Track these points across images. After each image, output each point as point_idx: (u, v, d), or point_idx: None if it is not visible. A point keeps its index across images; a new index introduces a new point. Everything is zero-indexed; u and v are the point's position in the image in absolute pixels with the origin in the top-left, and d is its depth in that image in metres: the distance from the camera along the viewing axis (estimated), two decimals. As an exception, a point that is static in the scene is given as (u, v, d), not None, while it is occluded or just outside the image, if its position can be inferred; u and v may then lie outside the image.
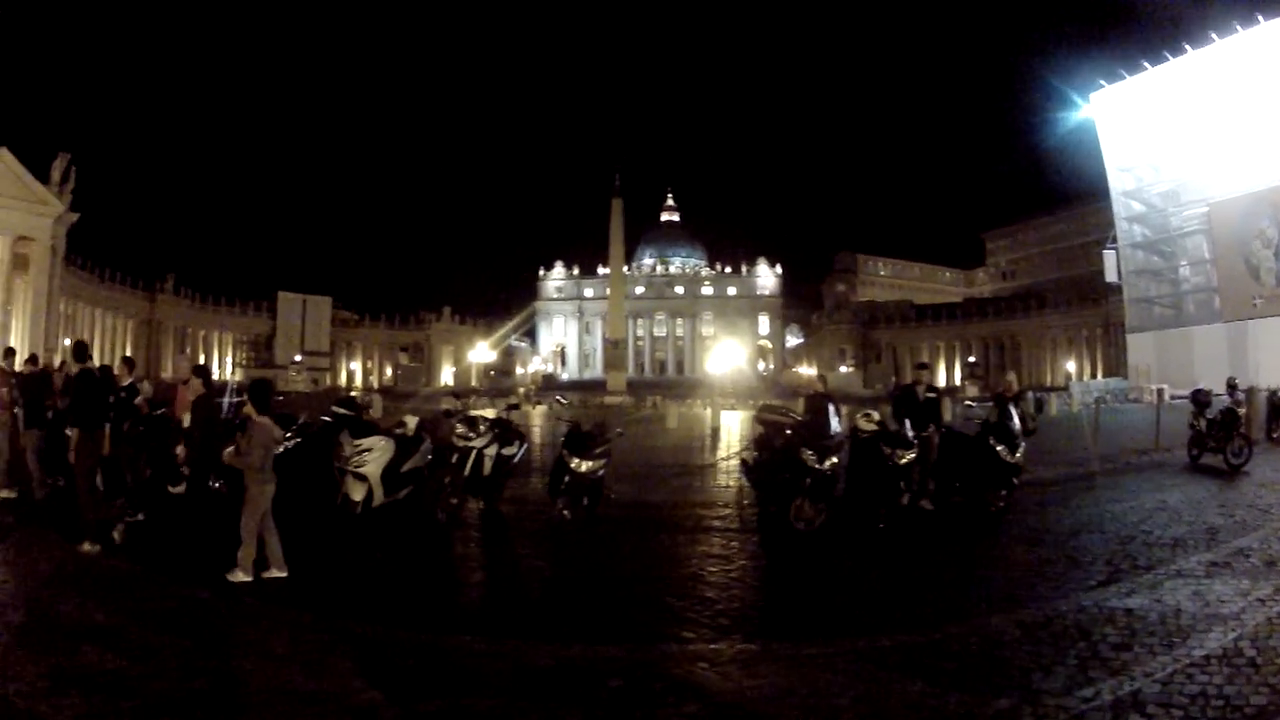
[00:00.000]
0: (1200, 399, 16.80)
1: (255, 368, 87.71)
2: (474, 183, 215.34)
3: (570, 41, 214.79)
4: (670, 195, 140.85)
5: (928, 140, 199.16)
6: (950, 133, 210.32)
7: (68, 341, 67.44)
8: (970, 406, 12.25)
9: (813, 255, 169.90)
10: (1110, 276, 57.98)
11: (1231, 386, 17.05)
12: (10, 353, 12.78)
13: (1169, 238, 54.38)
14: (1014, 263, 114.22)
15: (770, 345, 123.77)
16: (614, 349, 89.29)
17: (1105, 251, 57.63)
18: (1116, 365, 66.50)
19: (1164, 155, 52.98)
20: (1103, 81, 54.65)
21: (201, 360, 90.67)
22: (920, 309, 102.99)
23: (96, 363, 10.74)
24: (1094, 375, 73.59)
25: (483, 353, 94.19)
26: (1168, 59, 50.61)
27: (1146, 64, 51.57)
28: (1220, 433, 15.90)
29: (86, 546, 8.61)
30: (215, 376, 78.10)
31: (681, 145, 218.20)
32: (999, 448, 10.85)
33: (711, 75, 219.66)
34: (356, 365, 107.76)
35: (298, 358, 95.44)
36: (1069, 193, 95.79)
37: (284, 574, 7.77)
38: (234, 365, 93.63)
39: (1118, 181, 55.57)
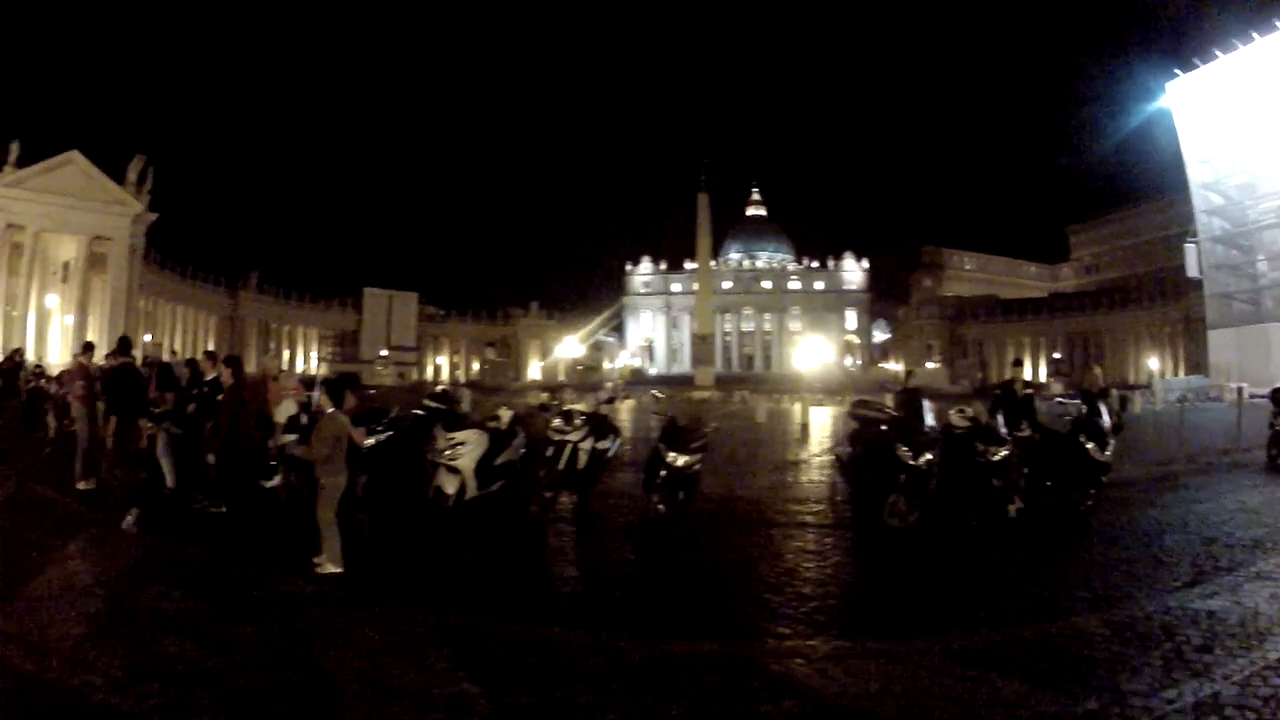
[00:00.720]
0: (1279, 398, 16.34)
1: (340, 362, 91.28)
2: (562, 178, 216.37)
3: (658, 35, 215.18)
4: (756, 190, 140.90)
5: (1011, 133, 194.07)
6: (1032, 125, 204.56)
7: (148, 338, 71.13)
8: (1061, 403, 11.72)
9: (898, 249, 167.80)
10: (1191, 271, 56.67)
11: None
12: (89, 347, 13.42)
13: (1247, 231, 52.97)
14: (1097, 257, 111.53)
15: (857, 340, 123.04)
16: (702, 343, 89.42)
17: (1186, 245, 56.37)
18: (1197, 362, 64.83)
19: (1239, 146, 51.59)
20: (1178, 71, 53.42)
21: (286, 355, 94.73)
22: (1006, 304, 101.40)
23: (182, 356, 11.66)
24: (1176, 373, 71.69)
25: (571, 347, 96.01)
26: (1236, 47, 49.34)
27: (1218, 52, 50.30)
28: None
29: (128, 520, 8.97)
30: (300, 370, 79.34)
31: (767, 140, 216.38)
32: (1089, 445, 10.63)
33: (797, 70, 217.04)
34: (444, 360, 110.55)
35: (384, 352, 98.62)
36: (1150, 185, 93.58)
37: (339, 570, 7.54)
38: (319, 360, 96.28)
39: (1196, 173, 54.32)
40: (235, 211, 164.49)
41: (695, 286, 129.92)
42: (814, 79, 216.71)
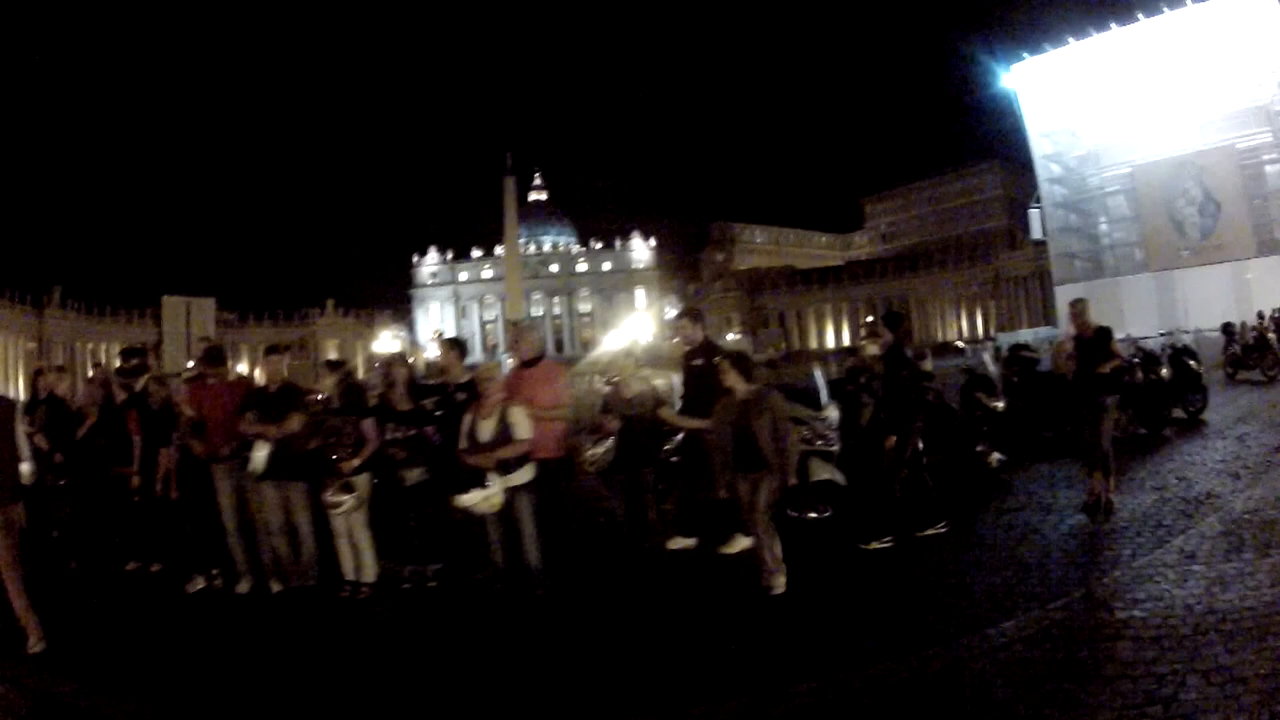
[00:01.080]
0: (1229, 330, 23.02)
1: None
2: (342, 172, 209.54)
3: (428, 22, 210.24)
4: (538, 175, 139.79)
5: (797, 105, 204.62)
6: (821, 97, 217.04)
7: None
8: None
9: (686, 227, 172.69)
10: (1035, 234, 62.75)
11: (1261, 316, 23.80)
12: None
13: (1088, 197, 58.72)
14: (893, 225, 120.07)
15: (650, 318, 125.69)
16: (514, 328, 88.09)
17: (1030, 211, 62.45)
18: (1009, 319, 71.25)
19: (1082, 123, 57.10)
20: (1025, 54, 58.29)
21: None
22: (805, 273, 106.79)
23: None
24: (987, 329, 78.34)
25: (386, 343, 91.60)
26: (1091, 34, 54.39)
27: (1070, 39, 55.25)
28: (1255, 354, 21.09)
29: None
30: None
31: (546, 123, 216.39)
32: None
33: (573, 45, 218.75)
34: (243, 367, 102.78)
35: (190, 364, 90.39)
36: (953, 156, 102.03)
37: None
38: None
39: (1039, 146, 59.68)
40: (27, 217, 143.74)
41: (483, 274, 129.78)
42: (592, 51, 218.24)
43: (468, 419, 7.39)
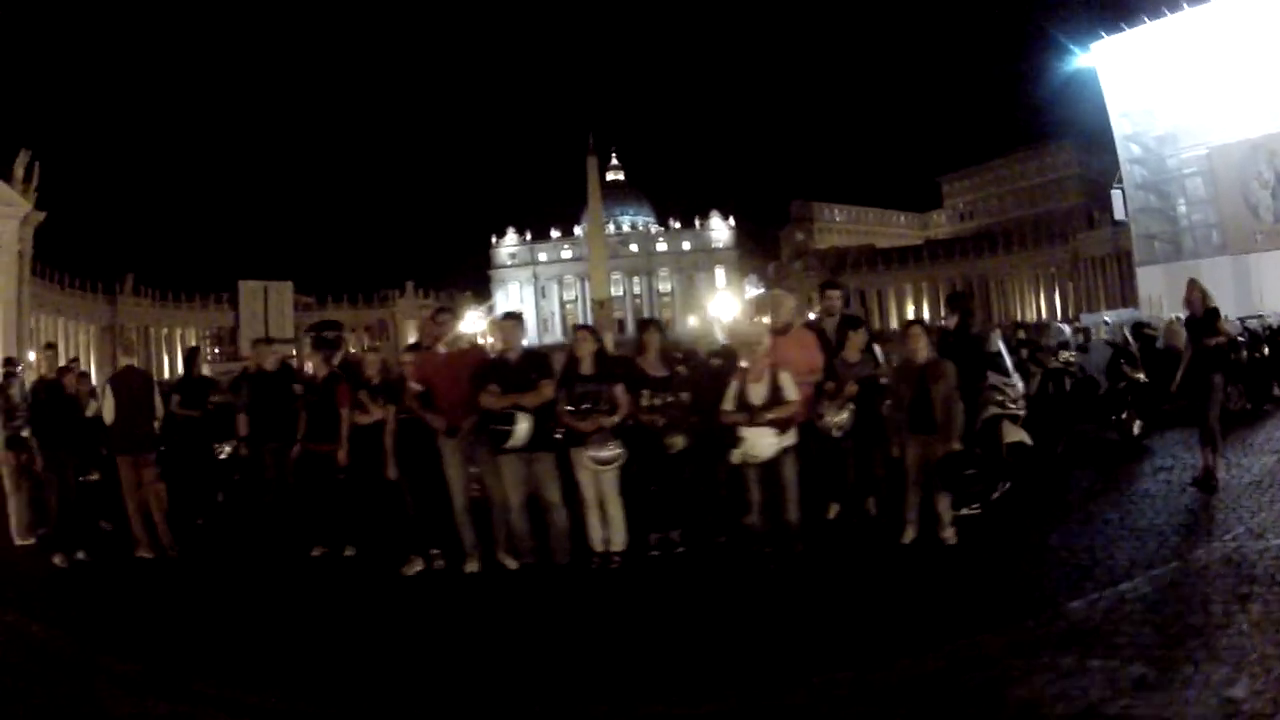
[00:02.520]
0: None
1: (221, 362, 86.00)
2: (419, 154, 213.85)
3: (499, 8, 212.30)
4: (615, 155, 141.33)
5: (875, 83, 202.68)
6: (898, 75, 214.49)
7: (31, 356, 65.19)
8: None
9: (766, 206, 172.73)
10: (1119, 215, 62.41)
11: None
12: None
13: (1167, 179, 58.40)
14: (971, 204, 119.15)
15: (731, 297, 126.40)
16: (600, 309, 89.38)
17: (1113, 191, 62.03)
18: (1088, 300, 71.00)
19: (1160, 102, 56.68)
20: (1103, 33, 58.00)
21: (166, 362, 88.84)
22: (885, 253, 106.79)
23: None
24: (1065, 311, 78.00)
25: (473, 323, 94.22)
26: (1165, 14, 54.08)
27: (1146, 18, 54.91)
28: None
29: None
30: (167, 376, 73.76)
31: (623, 102, 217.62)
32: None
33: (651, 24, 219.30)
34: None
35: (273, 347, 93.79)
36: (1026, 135, 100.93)
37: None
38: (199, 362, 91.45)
39: (1119, 126, 59.26)
40: (102, 208, 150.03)
41: (562, 254, 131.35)
42: (669, 30, 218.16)
43: (734, 384, 7.70)
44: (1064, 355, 12.63)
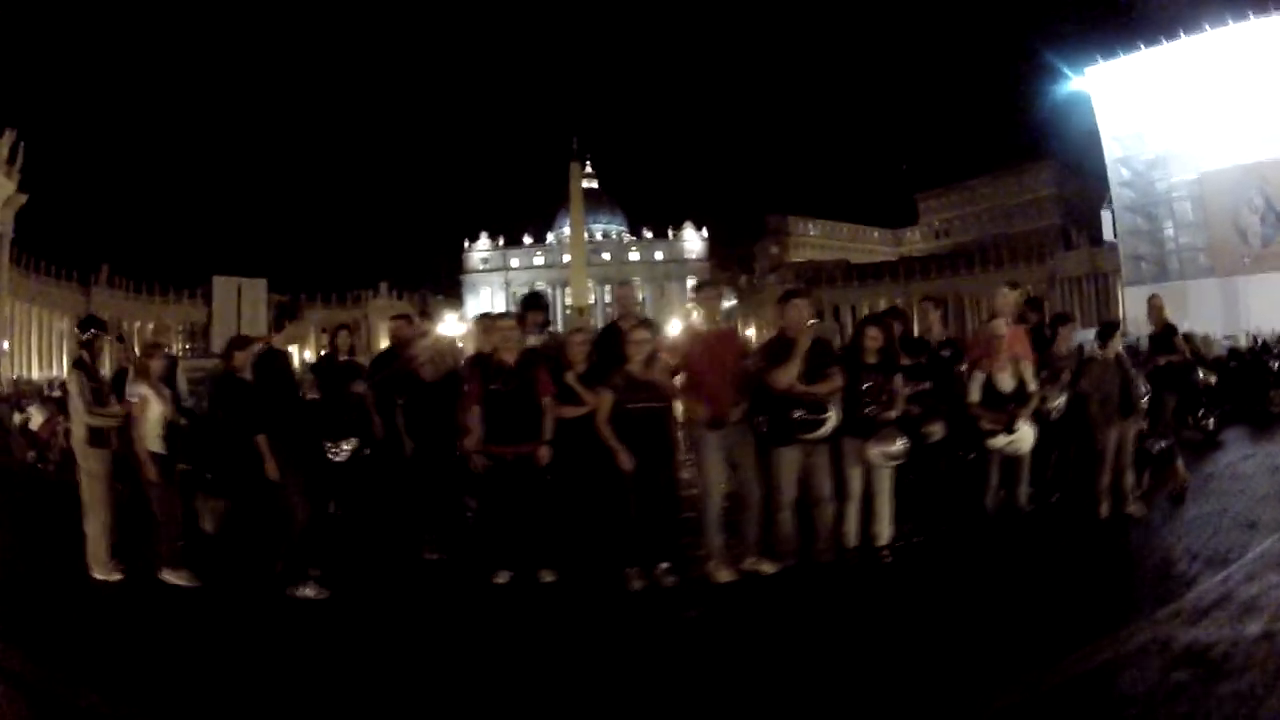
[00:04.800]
0: None
1: (194, 358, 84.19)
2: (393, 155, 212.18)
3: (483, 8, 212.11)
4: (588, 162, 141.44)
5: (853, 98, 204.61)
6: (877, 92, 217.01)
7: (5, 345, 63.56)
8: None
9: (740, 218, 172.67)
10: (1108, 235, 64.12)
11: None
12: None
13: (1155, 202, 60.18)
14: (947, 222, 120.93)
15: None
16: (579, 316, 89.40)
17: (1103, 212, 63.95)
18: (1100, 315, 72.67)
19: (1151, 128, 58.42)
20: (1099, 57, 59.61)
21: (139, 355, 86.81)
22: (860, 268, 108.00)
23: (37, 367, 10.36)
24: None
25: (452, 325, 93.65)
26: (1161, 42, 55.76)
27: (1142, 45, 56.55)
28: None
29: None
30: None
31: (598, 109, 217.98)
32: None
33: (627, 34, 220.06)
34: (293, 349, 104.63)
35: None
36: (1005, 155, 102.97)
37: None
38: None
39: (1110, 150, 60.87)
40: (78, 195, 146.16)
41: (535, 261, 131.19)
42: (644, 44, 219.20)
43: (979, 374, 8.07)
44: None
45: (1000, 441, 7.96)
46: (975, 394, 8.07)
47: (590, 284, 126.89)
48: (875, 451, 7.36)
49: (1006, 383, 8.06)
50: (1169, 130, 56.82)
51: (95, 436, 8.04)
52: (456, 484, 8.18)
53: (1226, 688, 4.60)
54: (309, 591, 7.09)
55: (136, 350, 9.78)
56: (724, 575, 7.18)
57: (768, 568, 7.30)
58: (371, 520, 8.35)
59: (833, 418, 7.28)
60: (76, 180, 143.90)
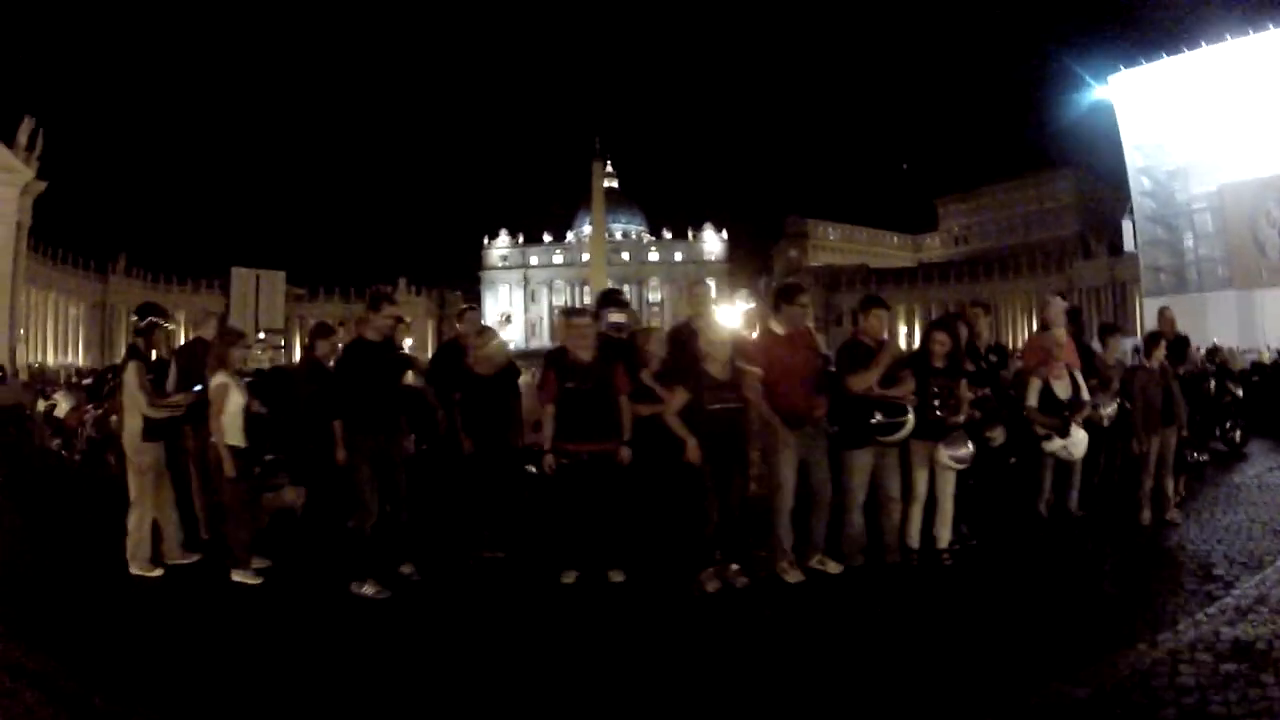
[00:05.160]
0: None
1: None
2: (414, 151, 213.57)
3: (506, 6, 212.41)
4: (609, 161, 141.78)
5: (876, 102, 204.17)
6: (900, 97, 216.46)
7: (21, 333, 63.62)
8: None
9: (759, 220, 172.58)
10: (1129, 245, 63.82)
11: None
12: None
13: (1176, 213, 59.92)
14: (966, 228, 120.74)
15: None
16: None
17: (1124, 222, 63.78)
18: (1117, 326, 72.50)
19: (1172, 138, 58.15)
20: (1121, 66, 59.40)
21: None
22: (879, 273, 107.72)
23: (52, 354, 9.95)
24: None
25: (473, 322, 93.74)
26: (1184, 51, 55.54)
27: (1164, 54, 56.36)
28: None
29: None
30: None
31: (619, 109, 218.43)
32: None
33: (650, 35, 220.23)
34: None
35: (261, 335, 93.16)
36: (1026, 162, 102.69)
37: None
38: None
39: (1132, 159, 60.60)
40: (98, 183, 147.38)
41: (554, 259, 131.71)
42: (668, 40, 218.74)
43: (1036, 381, 8.45)
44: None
45: (1055, 445, 8.28)
46: (1033, 399, 8.43)
47: (610, 283, 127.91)
48: (945, 455, 7.59)
49: (1063, 390, 8.45)
50: (1190, 141, 56.53)
51: (151, 429, 7.83)
52: (515, 481, 8.22)
53: (1271, 677, 4.99)
54: (368, 590, 7.02)
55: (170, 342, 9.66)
56: (794, 576, 7.27)
57: (834, 567, 7.46)
58: (430, 518, 8.27)
59: (911, 421, 7.40)
60: (95, 168, 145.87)
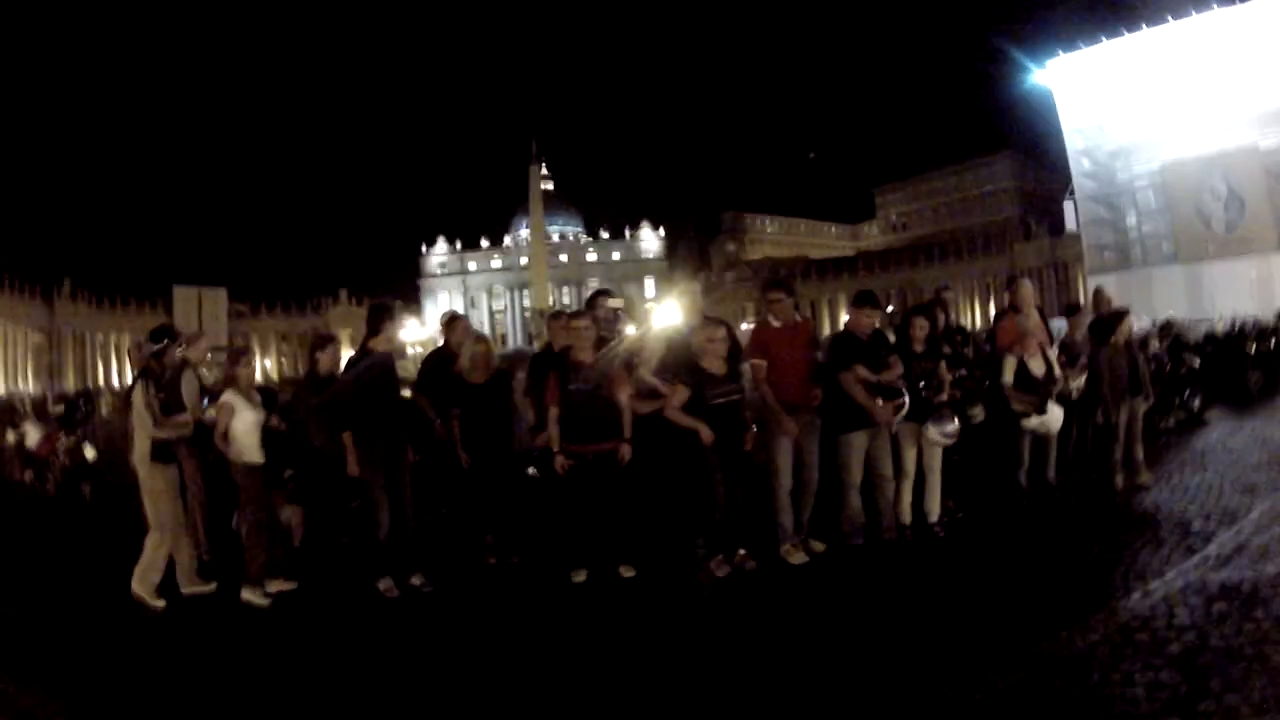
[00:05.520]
0: None
1: None
2: (348, 160, 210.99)
3: (436, 11, 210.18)
4: (544, 164, 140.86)
5: (809, 94, 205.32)
6: (833, 87, 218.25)
7: None
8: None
9: (695, 216, 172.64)
10: (1071, 225, 65.17)
11: None
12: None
13: (1117, 192, 61.35)
14: (905, 216, 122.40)
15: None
16: (540, 318, 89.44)
17: (1065, 203, 64.92)
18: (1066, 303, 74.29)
19: (1112, 118, 59.49)
20: (1060, 51, 60.53)
21: (101, 369, 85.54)
22: (819, 264, 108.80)
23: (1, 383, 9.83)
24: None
25: (414, 331, 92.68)
26: (1123, 34, 56.76)
27: (1104, 38, 57.54)
28: None
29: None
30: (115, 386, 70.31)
31: (553, 110, 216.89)
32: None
33: (580, 33, 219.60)
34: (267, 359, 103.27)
35: (209, 354, 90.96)
36: (962, 148, 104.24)
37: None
38: (134, 369, 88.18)
39: (1072, 141, 61.89)
40: (35, 206, 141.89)
41: (492, 264, 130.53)
42: (597, 43, 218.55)
43: (1011, 359, 9.01)
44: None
45: (1034, 423, 8.94)
46: (1009, 377, 9.03)
47: (549, 285, 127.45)
48: (934, 432, 8.21)
49: (1038, 367, 9.08)
50: (1131, 121, 57.82)
51: (160, 452, 7.75)
52: (517, 486, 8.39)
53: (1261, 612, 5.60)
54: (383, 585, 7.44)
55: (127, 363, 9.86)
56: (798, 557, 7.73)
57: (819, 546, 7.96)
58: (435, 528, 8.46)
59: (907, 401, 8.01)
60: (36, 192, 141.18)
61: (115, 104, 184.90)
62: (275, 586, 7.73)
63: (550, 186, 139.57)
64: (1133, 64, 56.19)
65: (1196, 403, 14.58)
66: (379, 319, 8.05)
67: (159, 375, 8.02)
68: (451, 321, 9.16)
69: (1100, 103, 59.32)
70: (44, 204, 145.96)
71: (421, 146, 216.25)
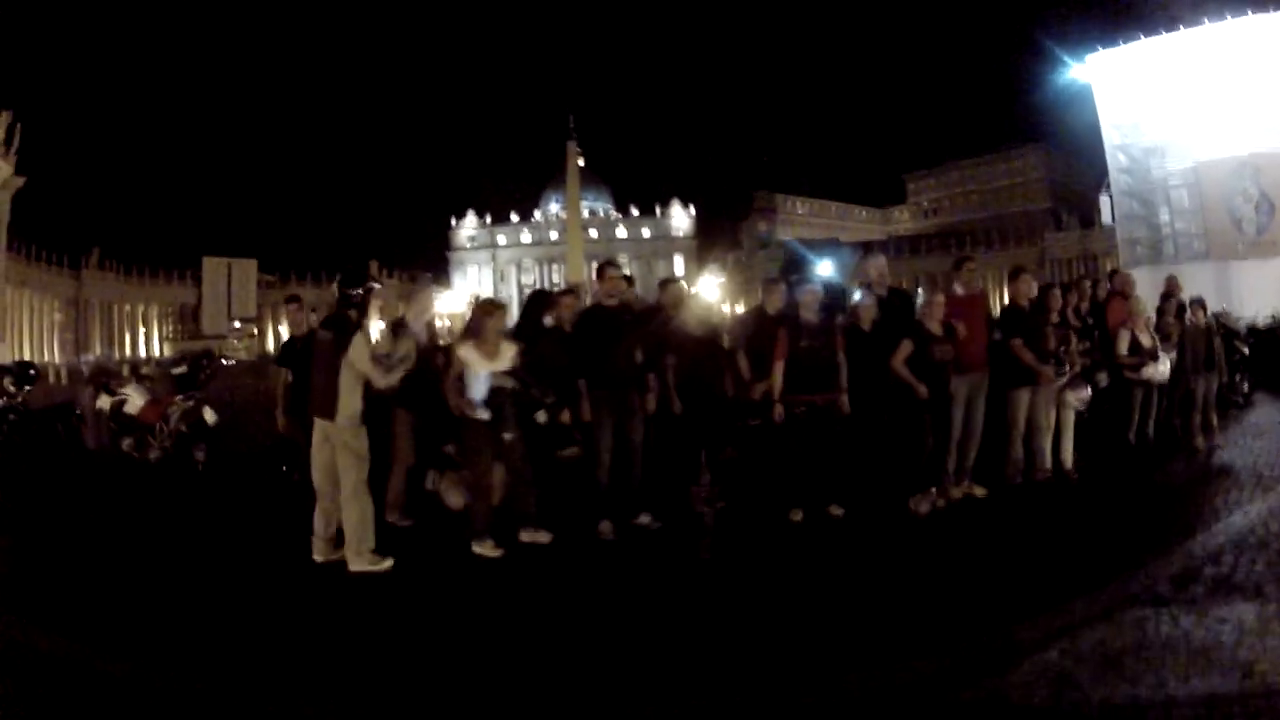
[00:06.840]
0: None
1: (184, 340, 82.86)
2: (380, 133, 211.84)
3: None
4: (574, 140, 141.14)
5: (844, 77, 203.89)
6: (869, 72, 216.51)
7: None
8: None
9: (726, 195, 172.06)
10: (1107, 219, 66.00)
11: None
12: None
13: (1152, 188, 62.02)
14: (936, 202, 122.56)
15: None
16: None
17: (1101, 196, 65.55)
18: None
19: (1148, 116, 60.02)
20: (1099, 46, 61.01)
21: (128, 339, 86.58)
22: (851, 247, 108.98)
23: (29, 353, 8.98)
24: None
25: (449, 302, 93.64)
26: (1161, 33, 57.34)
27: (1141, 35, 58.06)
28: None
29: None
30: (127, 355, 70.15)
31: (585, 86, 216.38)
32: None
33: (614, 11, 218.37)
34: (284, 329, 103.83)
35: (238, 324, 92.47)
36: (996, 138, 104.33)
37: None
38: (161, 340, 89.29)
39: (1109, 136, 62.42)
40: (67, 177, 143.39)
41: (522, 238, 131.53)
42: (632, 21, 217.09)
43: (1124, 333, 11.23)
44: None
45: (1151, 370, 11.15)
46: (1124, 348, 11.21)
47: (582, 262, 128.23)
48: (1071, 397, 10.15)
49: (1145, 340, 11.30)
50: (1166, 120, 58.24)
51: (366, 412, 7.53)
52: (729, 434, 9.28)
53: None
54: (603, 528, 8.19)
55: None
56: (958, 493, 9.38)
57: (980, 491, 9.54)
58: (657, 473, 8.76)
59: (1068, 367, 10.04)
60: (65, 162, 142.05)
61: (148, 75, 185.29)
62: (528, 537, 7.85)
63: (581, 162, 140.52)
64: (1170, 64, 56.66)
65: (1245, 387, 16.23)
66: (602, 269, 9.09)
67: (363, 325, 7.69)
68: (665, 285, 9.90)
69: (1137, 100, 59.77)
70: (72, 174, 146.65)
71: (452, 119, 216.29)
